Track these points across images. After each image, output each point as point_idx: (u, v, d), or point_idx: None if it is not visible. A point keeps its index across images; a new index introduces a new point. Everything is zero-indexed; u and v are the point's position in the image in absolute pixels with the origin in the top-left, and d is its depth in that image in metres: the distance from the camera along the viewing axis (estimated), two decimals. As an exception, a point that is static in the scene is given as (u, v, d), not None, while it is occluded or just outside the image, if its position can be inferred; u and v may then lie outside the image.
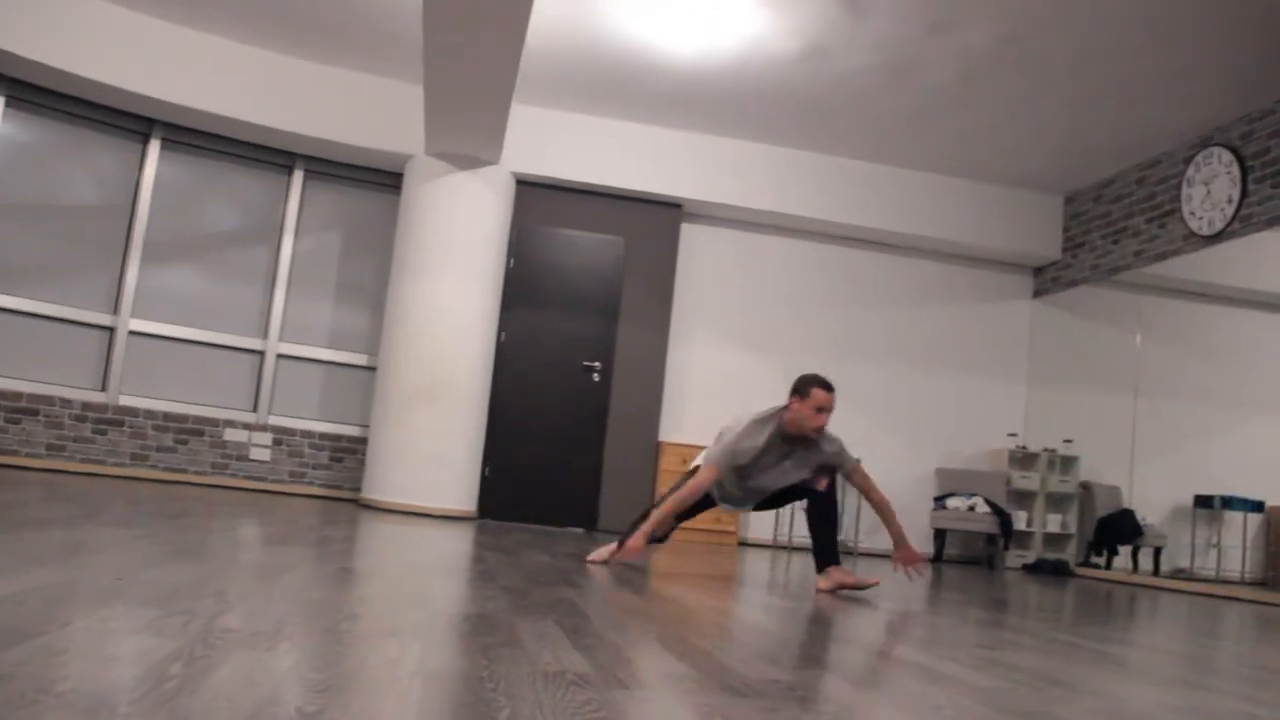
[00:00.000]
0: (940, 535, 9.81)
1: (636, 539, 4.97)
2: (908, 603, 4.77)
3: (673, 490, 5.08)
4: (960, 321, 10.54)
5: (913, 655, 2.92)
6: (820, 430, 4.84)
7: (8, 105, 8.56)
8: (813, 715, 1.88)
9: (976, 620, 4.23)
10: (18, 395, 8.38)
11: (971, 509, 9.58)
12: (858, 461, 5.02)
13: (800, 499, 5.07)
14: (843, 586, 4.90)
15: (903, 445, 10.23)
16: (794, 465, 4.95)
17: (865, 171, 10.02)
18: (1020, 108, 8.51)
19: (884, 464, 10.02)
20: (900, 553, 5.07)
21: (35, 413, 8.42)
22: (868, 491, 4.95)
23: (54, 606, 2.14)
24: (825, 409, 4.78)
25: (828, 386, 4.80)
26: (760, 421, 4.92)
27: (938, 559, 9.79)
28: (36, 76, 8.40)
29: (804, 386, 4.83)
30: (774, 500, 5.16)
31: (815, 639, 3.10)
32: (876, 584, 5.03)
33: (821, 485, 4.96)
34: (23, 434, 8.38)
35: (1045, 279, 10.56)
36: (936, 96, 8.45)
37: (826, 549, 4.98)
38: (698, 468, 5.03)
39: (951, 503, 9.70)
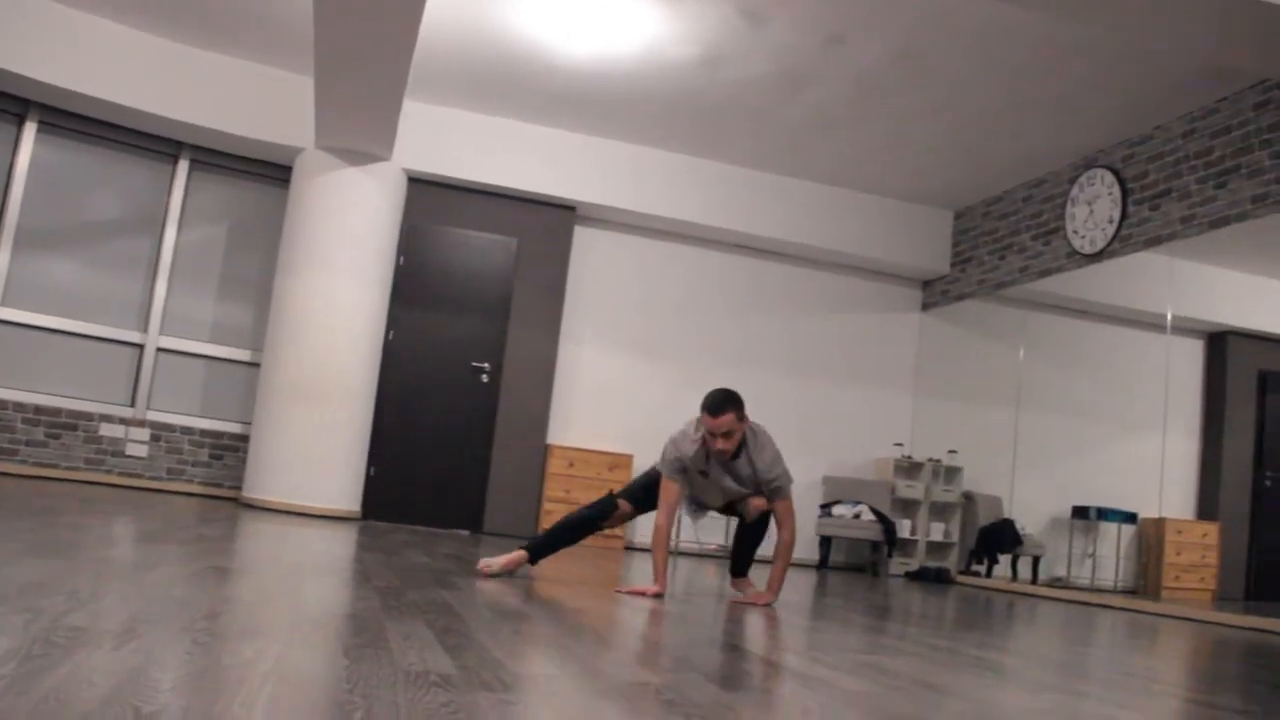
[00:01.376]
0: (825, 542, 9.91)
1: (660, 580, 4.65)
2: (791, 609, 4.80)
3: (578, 517, 4.99)
4: (851, 332, 10.67)
5: (789, 660, 2.92)
6: (721, 454, 4.63)
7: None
8: (678, 718, 1.86)
9: (858, 626, 4.26)
10: None
11: (857, 517, 9.69)
12: (788, 500, 4.86)
13: (741, 518, 5.08)
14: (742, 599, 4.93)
15: (792, 452, 10.06)
16: (734, 481, 4.82)
17: (759, 180, 10.09)
18: (912, 123, 8.64)
19: (772, 471, 10.09)
20: (760, 595, 4.94)
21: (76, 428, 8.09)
22: (781, 526, 4.81)
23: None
24: (714, 433, 4.55)
25: (712, 409, 4.56)
26: (692, 437, 4.73)
27: (823, 565, 9.87)
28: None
29: (701, 409, 4.63)
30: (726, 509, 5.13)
31: (692, 643, 3.09)
32: (769, 603, 4.91)
33: (753, 513, 4.92)
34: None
35: (934, 292, 10.75)
36: (831, 108, 8.54)
37: (741, 562, 5.22)
38: (611, 495, 4.98)
39: (837, 510, 9.80)
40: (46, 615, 2.11)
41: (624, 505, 4.89)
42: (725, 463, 4.72)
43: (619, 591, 4.65)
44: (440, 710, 1.68)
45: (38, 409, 8.55)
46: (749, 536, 5.09)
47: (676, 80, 8.35)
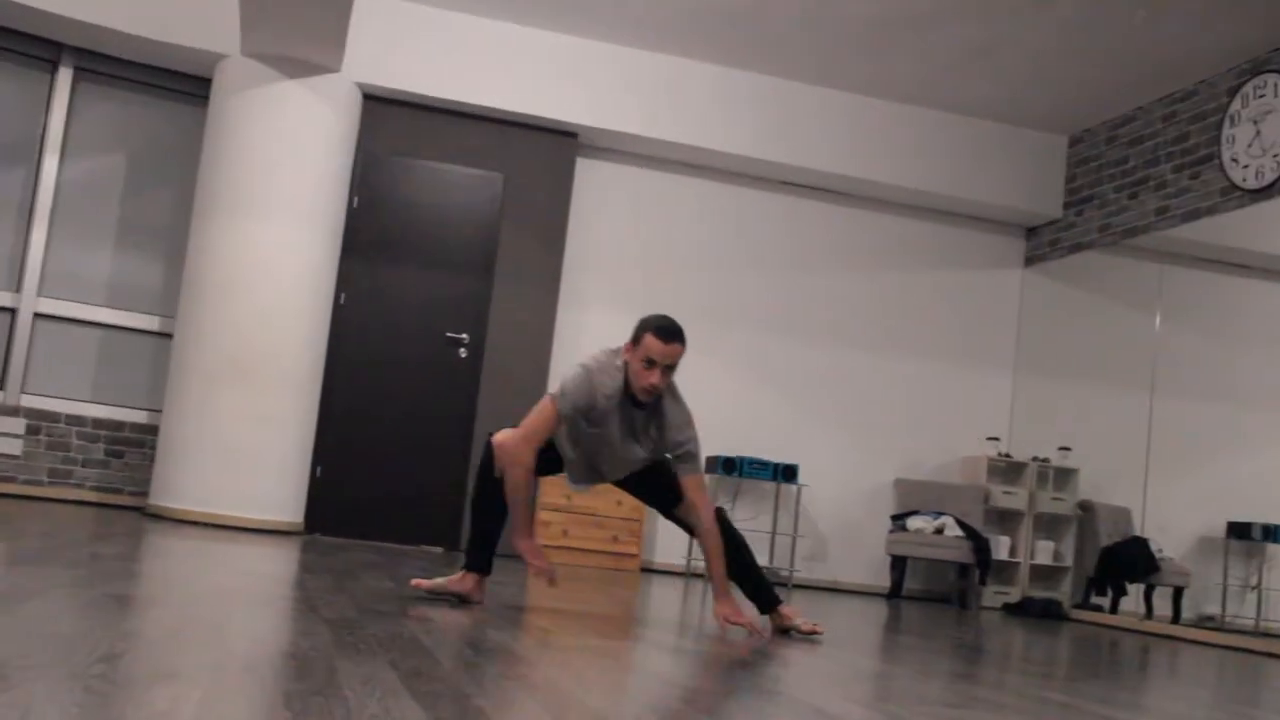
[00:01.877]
0: (898, 564, 9.83)
1: (528, 543, 4.70)
2: (856, 648, 4.74)
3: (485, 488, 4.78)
4: (931, 294, 10.57)
5: (853, 712, 2.86)
6: (650, 391, 4.54)
7: None
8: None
9: (943, 672, 4.20)
10: None
11: (939, 531, 9.63)
12: (699, 474, 4.76)
13: (662, 509, 4.95)
14: (735, 622, 4.70)
15: (851, 449, 10.26)
16: (639, 446, 4.72)
17: (814, 98, 9.99)
18: (1017, 22, 8.52)
19: (826, 473, 10.06)
20: (721, 606, 4.78)
21: None
22: (698, 508, 4.71)
23: None
24: (657, 363, 4.49)
25: (668, 334, 4.52)
26: (610, 369, 4.61)
27: (895, 594, 9.81)
28: None
29: (638, 330, 4.57)
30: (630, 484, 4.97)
31: (731, 691, 3.03)
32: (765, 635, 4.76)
33: (704, 516, 4.73)
34: None
35: (1040, 242, 10.66)
36: (909, 4, 8.43)
37: (759, 588, 4.95)
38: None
39: (913, 523, 9.73)
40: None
41: None
42: (627, 413, 4.63)
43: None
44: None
45: (-116, 393, 8.56)
46: (741, 558, 4.90)
47: (710, -35, 8.26)
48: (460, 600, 4.57)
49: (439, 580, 4.64)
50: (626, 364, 4.53)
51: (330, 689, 2.25)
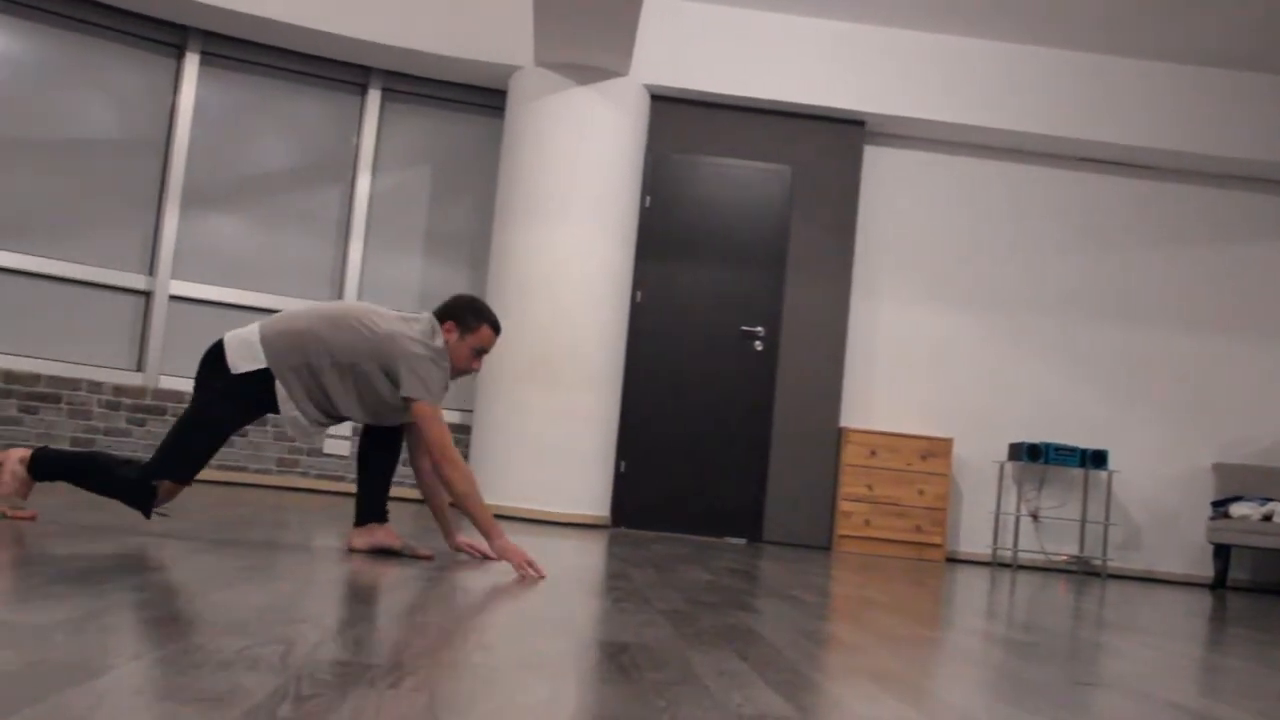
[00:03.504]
0: (1222, 553, 9.50)
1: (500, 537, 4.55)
2: (1175, 639, 4.65)
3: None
4: (1247, 267, 10.17)
5: (1205, 706, 2.83)
6: (468, 374, 4.79)
7: (4, 14, 8.78)
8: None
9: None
10: (35, 378, 8.66)
11: (1267, 519, 9.28)
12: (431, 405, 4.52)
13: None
14: (380, 548, 4.63)
15: (1165, 432, 9.97)
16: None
17: (1112, 69, 9.73)
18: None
19: (1142, 456, 9.81)
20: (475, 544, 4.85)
21: (58, 399, 8.71)
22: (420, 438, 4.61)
23: (116, 635, 2.19)
24: (486, 352, 4.71)
25: (499, 328, 4.71)
26: (440, 349, 4.53)
27: (1220, 584, 9.49)
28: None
29: (470, 318, 4.61)
30: None
31: (1059, 679, 3.03)
32: (429, 558, 4.61)
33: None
34: (42, 426, 8.66)
35: (1357, 207, 10.17)
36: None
37: (375, 500, 4.74)
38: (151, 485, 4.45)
39: (1237, 509, 9.40)
40: (300, 646, 2.24)
41: (170, 488, 4.45)
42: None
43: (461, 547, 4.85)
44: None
45: (220, 403, 9.06)
46: (386, 464, 4.78)
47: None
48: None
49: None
50: (446, 343, 4.56)
51: (691, 680, 2.35)
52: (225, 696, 1.74)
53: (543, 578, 4.28)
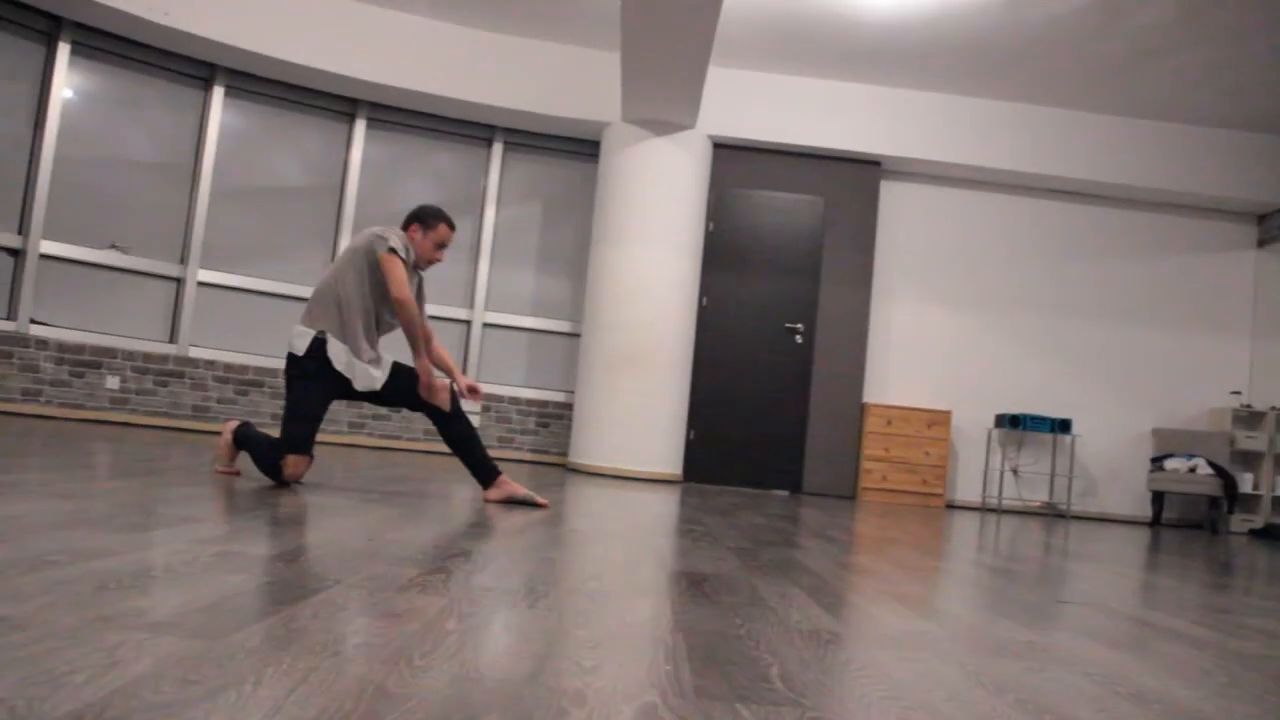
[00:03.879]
0: (1158, 498, 9.42)
1: (423, 362, 4.50)
2: (1125, 566, 4.61)
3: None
4: (1176, 274, 10.04)
5: (1155, 618, 2.82)
6: (431, 264, 4.69)
7: (227, 95, 8.98)
8: (1080, 678, 1.84)
9: (1209, 585, 4.06)
10: (244, 369, 8.82)
11: (1192, 470, 9.17)
12: (390, 252, 4.44)
13: (410, 405, 4.59)
14: (512, 498, 4.58)
15: (1117, 404, 9.85)
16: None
17: (1073, 120, 9.62)
18: (1242, 43, 8.02)
19: (1098, 423, 9.74)
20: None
21: (261, 385, 8.85)
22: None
23: (322, 564, 2.25)
24: (445, 246, 4.67)
25: (454, 225, 4.68)
26: (402, 236, 4.53)
27: (1156, 523, 9.41)
28: (251, 65, 8.78)
29: (431, 218, 4.61)
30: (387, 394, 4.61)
31: (1045, 599, 3.02)
32: (545, 506, 4.56)
33: (442, 400, 4.50)
34: (250, 404, 8.82)
35: (1271, 227, 9.97)
36: (1151, 36, 8.04)
37: (482, 465, 4.60)
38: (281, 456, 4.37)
39: (1170, 464, 9.29)
40: (457, 575, 2.29)
41: (297, 462, 4.35)
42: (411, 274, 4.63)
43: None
44: (845, 667, 1.72)
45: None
46: (467, 439, 4.58)
47: (983, 22, 8.07)
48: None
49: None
50: (414, 243, 4.58)
51: (758, 602, 2.38)
52: (405, 613, 1.78)
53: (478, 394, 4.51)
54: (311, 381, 4.40)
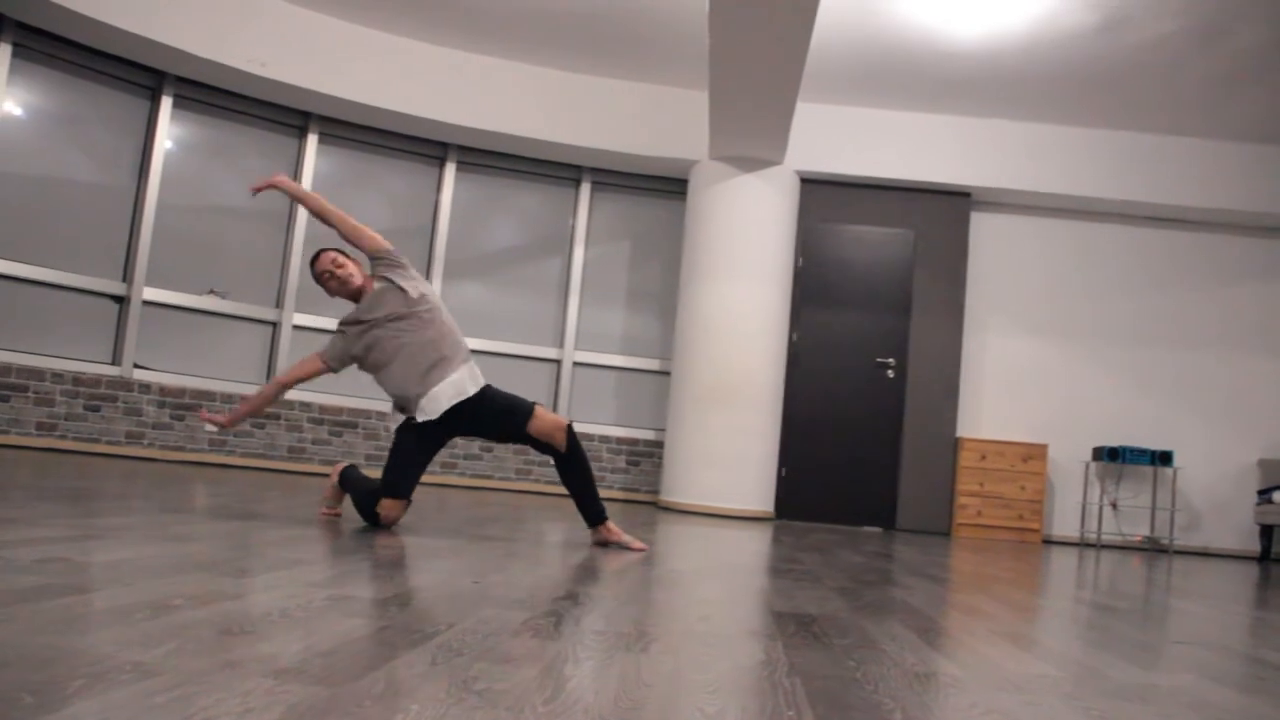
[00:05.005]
0: (1266, 531, 9.15)
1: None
2: (1235, 602, 4.47)
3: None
4: (1278, 299, 9.78)
5: (1267, 656, 2.73)
6: (341, 287, 4.40)
7: (320, 142, 9.19)
8: (1215, 723, 1.78)
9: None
10: (339, 410, 8.95)
11: (1303, 503, 8.91)
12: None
13: (522, 441, 4.42)
14: (608, 542, 4.40)
15: (1220, 435, 9.60)
16: (391, 319, 4.38)
17: (1165, 146, 9.45)
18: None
19: (1201, 455, 9.50)
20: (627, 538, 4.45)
21: (354, 426, 8.98)
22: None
23: (432, 607, 2.26)
24: (319, 276, 4.43)
25: (311, 262, 4.48)
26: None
27: (1264, 557, 9.14)
28: (339, 111, 8.97)
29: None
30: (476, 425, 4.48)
31: (1158, 638, 2.94)
32: (644, 549, 4.37)
33: (559, 441, 4.32)
34: (345, 445, 8.94)
35: (1379, 250, 9.69)
36: (1248, 59, 7.89)
37: (591, 506, 4.41)
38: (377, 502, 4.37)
39: (1278, 496, 9.03)
40: (567, 619, 2.29)
41: (393, 506, 4.30)
42: (371, 299, 4.41)
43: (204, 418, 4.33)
44: (969, 711, 1.69)
45: (473, 425, 9.23)
46: (580, 477, 4.41)
47: (1073, 50, 7.98)
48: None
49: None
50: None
51: (869, 644, 2.34)
52: (522, 658, 1.79)
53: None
54: (406, 433, 4.41)
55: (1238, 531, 9.51)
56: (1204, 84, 8.38)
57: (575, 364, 9.64)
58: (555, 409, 9.53)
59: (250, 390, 8.61)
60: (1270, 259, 9.80)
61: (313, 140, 9.15)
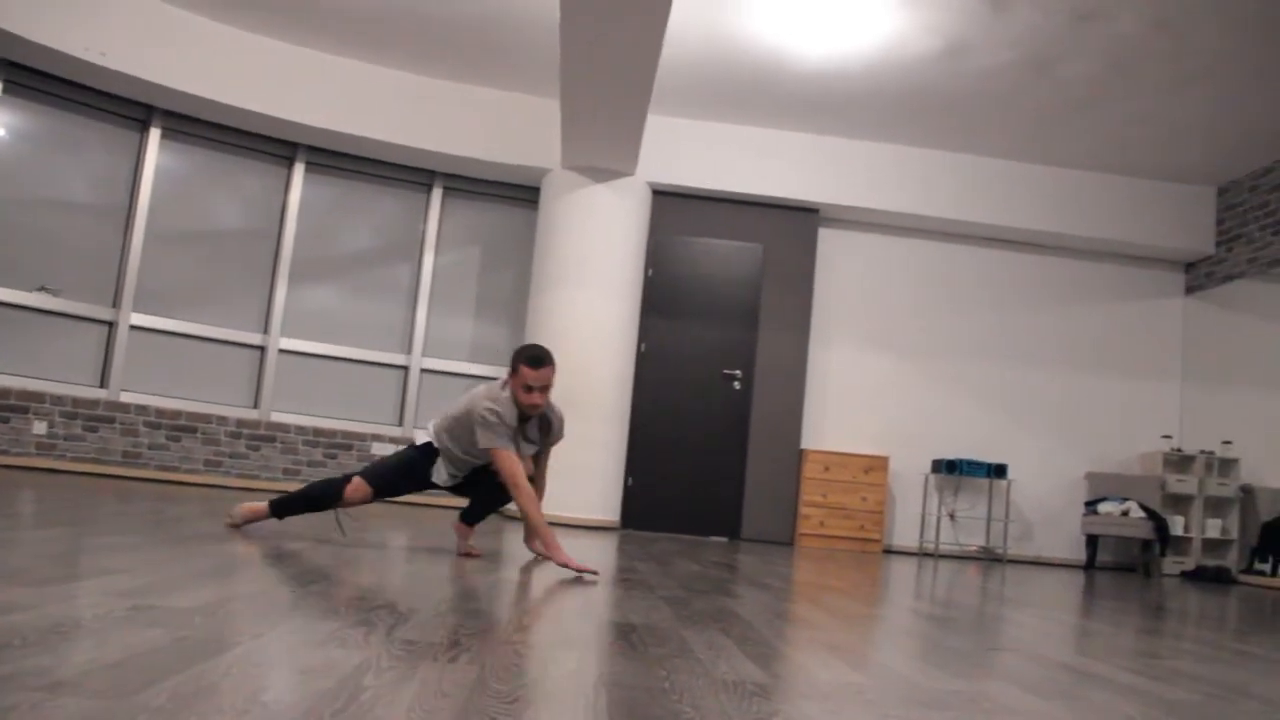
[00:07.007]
0: (1092, 541, 9.52)
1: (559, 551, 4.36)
2: (1060, 610, 4.64)
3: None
4: (1107, 321, 10.21)
5: (1085, 664, 2.83)
6: (534, 409, 4.41)
7: (163, 137, 8.91)
8: (1004, 728, 1.83)
9: (1140, 629, 4.09)
10: (177, 414, 8.68)
11: (1125, 514, 9.27)
12: (490, 439, 4.44)
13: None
14: (460, 548, 4.69)
15: (1051, 449, 9.96)
16: (528, 445, 4.57)
17: (1006, 170, 9.79)
18: (1170, 96, 8.22)
19: (1033, 468, 9.84)
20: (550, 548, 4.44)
21: (194, 430, 8.72)
22: (542, 474, 4.74)
23: (245, 617, 2.20)
24: (534, 387, 4.36)
25: (536, 361, 4.37)
26: (505, 400, 4.41)
27: (1090, 565, 9.51)
28: (188, 107, 8.72)
29: (514, 362, 4.41)
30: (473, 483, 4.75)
31: (978, 647, 3.03)
32: (479, 556, 4.63)
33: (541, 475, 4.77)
34: (182, 450, 8.68)
35: (1198, 275, 10.18)
36: (1081, 90, 8.22)
37: (483, 515, 4.83)
38: (345, 476, 4.56)
39: (1103, 508, 9.40)
40: (379, 628, 2.25)
41: (360, 485, 4.48)
42: (520, 426, 4.47)
43: (567, 565, 4.25)
44: (769, 719, 1.71)
45: (316, 431, 9.06)
46: (501, 500, 4.72)
47: (918, 74, 8.20)
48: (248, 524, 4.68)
49: (239, 509, 4.67)
50: (512, 390, 4.40)
51: (685, 653, 2.35)
52: (318, 670, 1.75)
53: (595, 573, 4.18)
54: (413, 452, 4.63)
55: (1067, 541, 9.87)
56: (1039, 112, 8.70)
57: (423, 370, 9.52)
58: (402, 416, 9.40)
59: (84, 393, 8.30)
60: (1101, 282, 10.22)
61: (155, 135, 8.86)
